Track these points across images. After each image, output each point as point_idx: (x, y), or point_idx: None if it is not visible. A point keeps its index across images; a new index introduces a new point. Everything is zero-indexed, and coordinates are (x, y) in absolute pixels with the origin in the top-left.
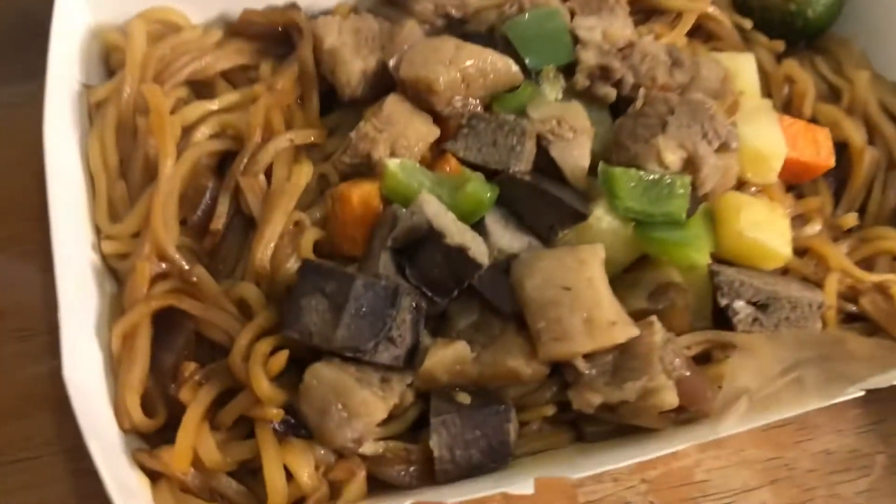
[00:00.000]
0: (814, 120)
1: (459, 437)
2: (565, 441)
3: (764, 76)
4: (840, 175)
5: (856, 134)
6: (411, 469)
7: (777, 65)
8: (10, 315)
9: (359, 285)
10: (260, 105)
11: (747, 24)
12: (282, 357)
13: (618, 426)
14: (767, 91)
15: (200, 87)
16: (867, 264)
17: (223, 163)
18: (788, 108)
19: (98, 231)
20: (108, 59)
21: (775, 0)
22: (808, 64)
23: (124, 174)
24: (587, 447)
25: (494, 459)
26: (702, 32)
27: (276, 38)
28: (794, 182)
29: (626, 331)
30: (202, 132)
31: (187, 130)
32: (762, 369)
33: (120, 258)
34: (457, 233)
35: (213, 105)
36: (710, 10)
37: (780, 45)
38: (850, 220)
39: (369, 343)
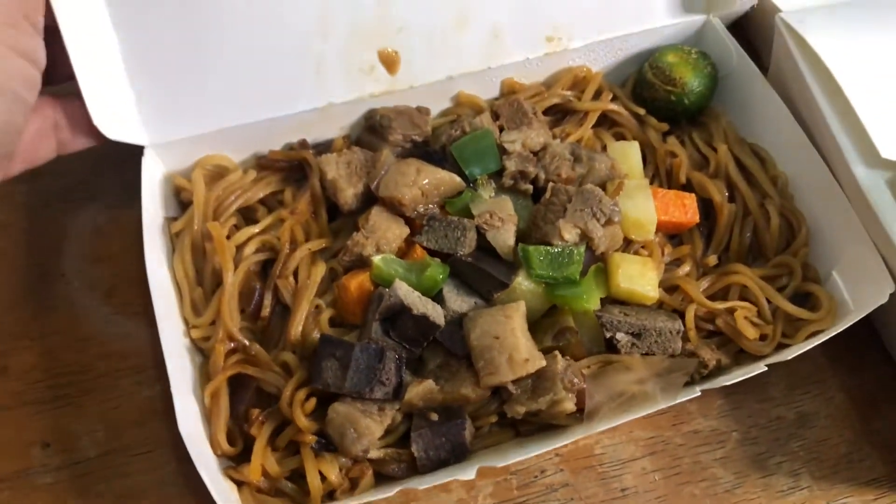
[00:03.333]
0: (688, 183)
1: (431, 443)
2: (508, 437)
3: (653, 151)
4: (710, 224)
5: (717, 195)
6: (402, 466)
7: (662, 142)
8: (129, 356)
9: (357, 351)
10: (286, 226)
11: (641, 111)
12: (312, 402)
13: (541, 424)
14: (656, 162)
15: (246, 211)
16: (724, 292)
17: (265, 266)
18: (670, 175)
19: (186, 322)
20: (178, 194)
21: (660, 93)
22: (687, 137)
23: (199, 282)
24: (523, 440)
25: (456, 456)
26: (607, 121)
27: (294, 169)
28: (674, 233)
29: (535, 364)
30: (249, 248)
31: (239, 248)
32: (613, 387)
33: (203, 340)
34: (421, 305)
35: (256, 229)
36: (610, 106)
37: (665, 126)
38: (712, 260)
39: (366, 388)
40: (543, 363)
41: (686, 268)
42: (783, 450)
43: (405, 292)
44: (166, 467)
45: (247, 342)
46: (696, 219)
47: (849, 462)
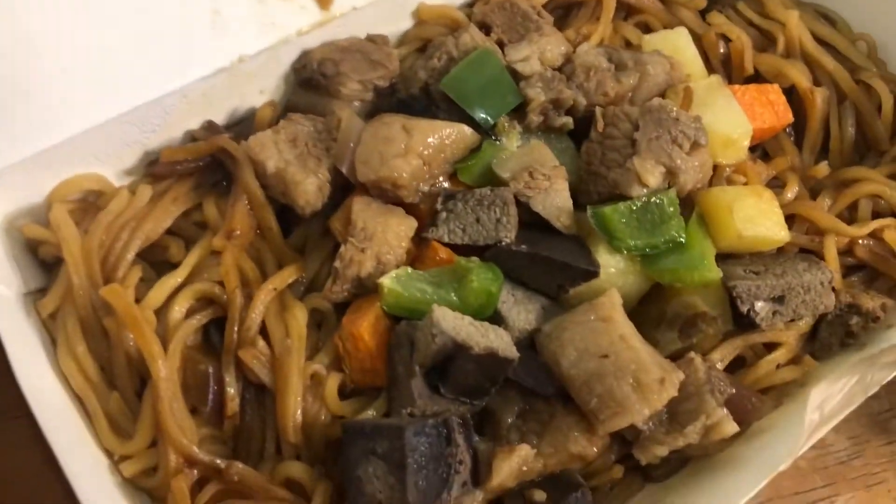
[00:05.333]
0: (756, 73)
1: None
2: (637, 488)
3: (695, 37)
4: (796, 120)
5: (801, 77)
6: None
7: (705, 24)
8: None
9: (410, 437)
10: (226, 261)
11: None
12: None
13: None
14: (703, 52)
15: (151, 252)
16: (851, 210)
17: (208, 332)
18: (727, 64)
19: (110, 453)
20: (36, 250)
21: None
22: (733, 12)
23: (111, 381)
24: (662, 490)
25: None
26: (621, 8)
27: (208, 169)
28: (756, 143)
29: (674, 381)
30: (177, 310)
31: (160, 313)
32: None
33: (145, 475)
34: (480, 337)
35: (177, 278)
36: None
37: (702, 2)
38: (822, 169)
39: (444, 492)
40: (682, 376)
41: (794, 187)
42: None
43: (453, 324)
44: None
45: (220, 463)
46: (790, 116)
47: None
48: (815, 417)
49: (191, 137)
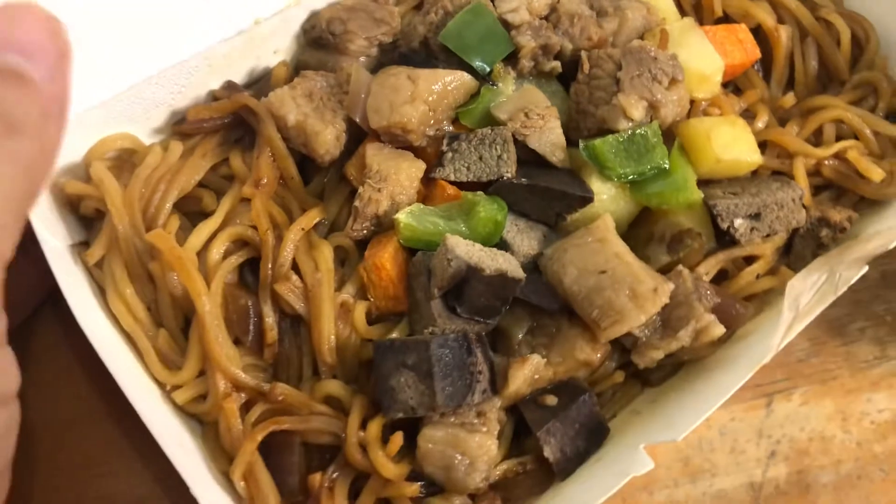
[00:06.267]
0: (725, 14)
1: (565, 436)
2: (636, 392)
3: None
4: (763, 57)
5: (766, 17)
6: (531, 477)
7: None
8: None
9: (435, 348)
10: (257, 206)
11: None
12: (398, 438)
13: (675, 364)
14: None
15: (185, 203)
16: (816, 135)
17: (243, 272)
18: (698, 8)
19: (161, 384)
20: (77, 207)
21: None
22: None
23: (157, 321)
24: (659, 393)
25: (597, 440)
26: None
27: (232, 125)
28: (727, 80)
29: (665, 290)
30: (216, 252)
31: (200, 255)
32: (804, 289)
33: (196, 402)
34: (490, 261)
35: (213, 224)
36: None
37: None
38: (789, 99)
39: (468, 395)
40: (672, 286)
41: (764, 117)
42: (866, 313)
43: (465, 250)
44: None
45: (265, 386)
46: (758, 53)
47: None
48: (790, 312)
49: (213, 97)
